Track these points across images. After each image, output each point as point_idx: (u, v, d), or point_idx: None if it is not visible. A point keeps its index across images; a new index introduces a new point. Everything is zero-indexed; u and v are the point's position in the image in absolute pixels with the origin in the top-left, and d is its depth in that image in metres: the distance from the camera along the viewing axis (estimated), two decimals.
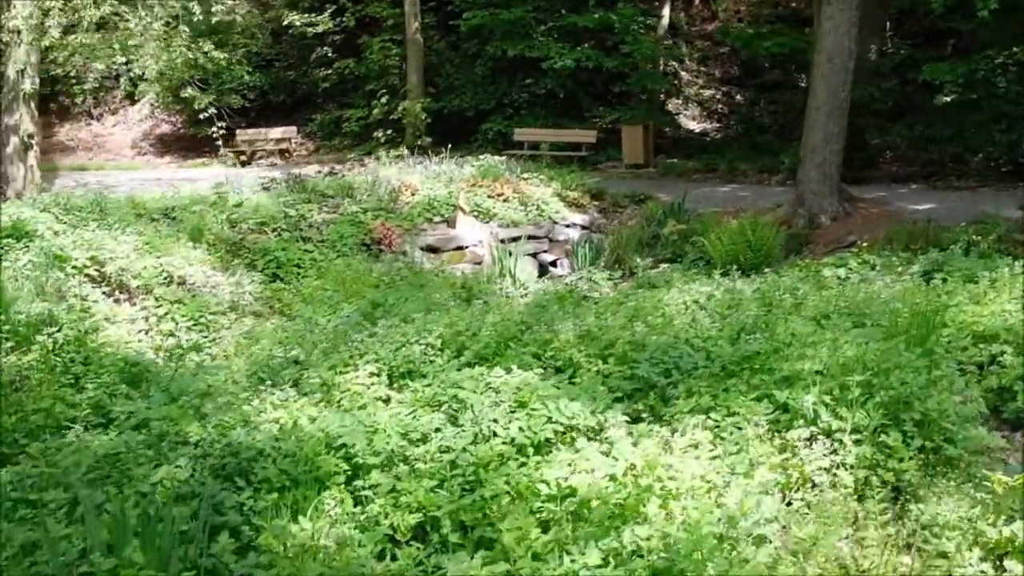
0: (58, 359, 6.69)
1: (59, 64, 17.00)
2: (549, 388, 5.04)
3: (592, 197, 15.85)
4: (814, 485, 4.18)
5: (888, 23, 20.02)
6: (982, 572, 3.54)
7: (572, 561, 3.40)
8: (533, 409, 4.69)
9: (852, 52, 13.30)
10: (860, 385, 4.66)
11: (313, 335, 7.30)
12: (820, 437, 4.40)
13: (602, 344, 5.97)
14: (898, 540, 3.81)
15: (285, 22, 23.04)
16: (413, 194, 13.80)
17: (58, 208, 10.44)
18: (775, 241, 11.63)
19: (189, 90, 18.07)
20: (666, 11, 22.49)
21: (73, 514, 3.97)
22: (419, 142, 20.74)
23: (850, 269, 9.32)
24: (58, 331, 7.07)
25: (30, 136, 15.83)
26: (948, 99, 16.30)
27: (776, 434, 4.52)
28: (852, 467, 4.25)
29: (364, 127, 22.89)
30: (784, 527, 3.80)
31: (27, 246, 9.38)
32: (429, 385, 5.49)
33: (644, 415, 5.02)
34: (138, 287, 9.30)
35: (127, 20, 14.54)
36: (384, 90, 22.70)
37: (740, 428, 4.51)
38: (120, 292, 9.27)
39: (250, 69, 22.29)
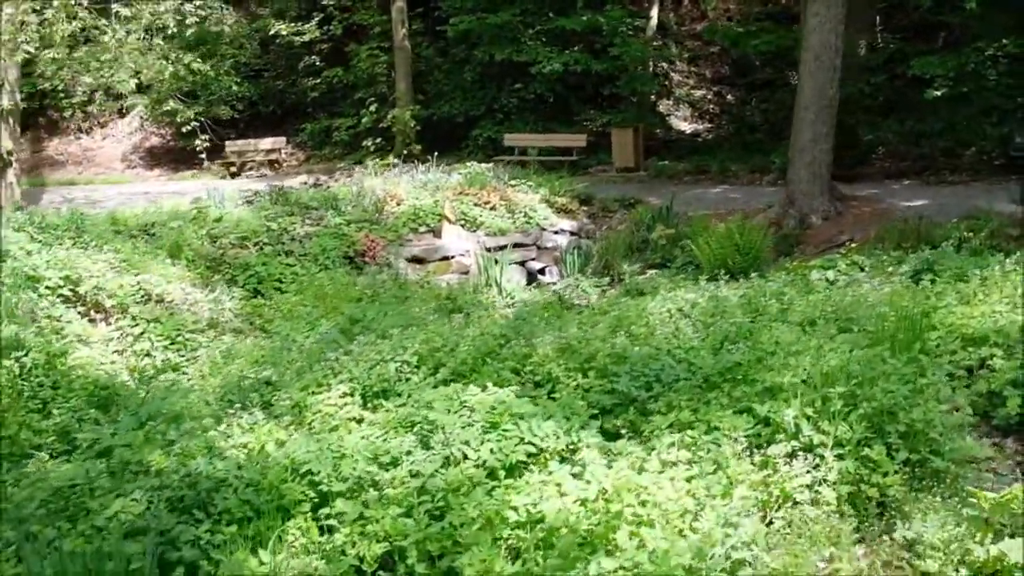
0: (25, 384, 6.54)
1: (47, 78, 16.86)
2: (525, 405, 4.90)
3: (581, 202, 15.69)
4: (795, 503, 4.03)
5: (877, 17, 19.89)
6: None
7: None
8: (505, 430, 4.56)
9: (839, 49, 13.14)
10: (843, 397, 4.53)
11: (290, 353, 7.15)
12: (801, 452, 4.25)
13: (582, 357, 5.85)
14: (881, 559, 3.65)
15: (272, 32, 22.90)
16: (398, 204, 13.62)
17: (33, 227, 10.24)
18: (763, 244, 11.49)
19: (171, 103, 17.89)
20: (655, 12, 22.29)
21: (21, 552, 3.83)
22: (409, 150, 20.63)
23: (839, 271, 9.17)
24: (25, 355, 6.90)
25: (8, 153, 15.63)
26: (939, 93, 16.16)
27: (756, 449, 4.38)
28: (834, 483, 4.10)
29: (354, 136, 22.79)
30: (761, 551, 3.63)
31: None
32: (403, 404, 5.37)
33: (623, 431, 4.89)
34: (114, 306, 9.10)
35: (104, 33, 14.35)
36: (373, 98, 22.57)
37: (718, 445, 4.36)
38: (95, 312, 9.08)
39: (238, 80, 22.18)
